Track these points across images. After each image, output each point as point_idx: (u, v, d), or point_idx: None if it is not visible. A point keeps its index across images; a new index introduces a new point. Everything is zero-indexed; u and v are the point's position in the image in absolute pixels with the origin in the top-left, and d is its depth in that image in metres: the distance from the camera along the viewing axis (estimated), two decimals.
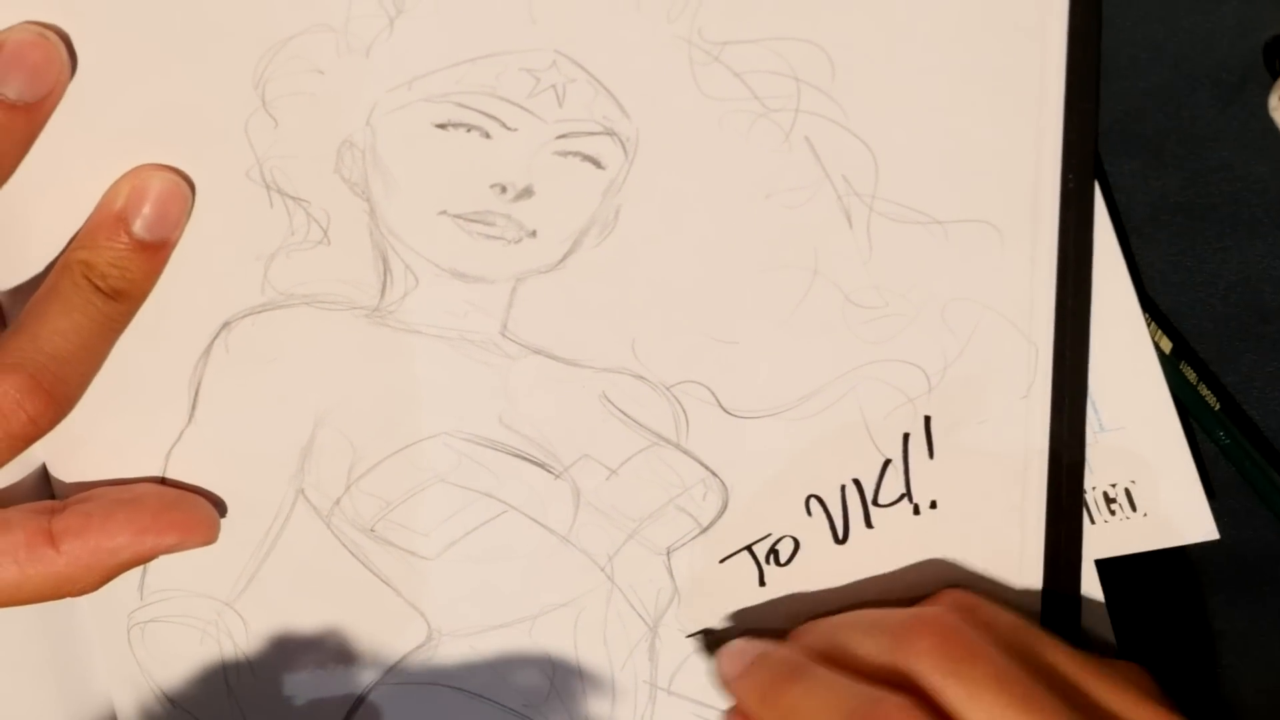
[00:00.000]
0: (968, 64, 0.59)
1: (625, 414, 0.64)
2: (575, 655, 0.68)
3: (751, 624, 0.67)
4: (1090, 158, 0.61)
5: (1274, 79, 0.62)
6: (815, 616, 0.66)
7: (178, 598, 0.67)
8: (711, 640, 0.67)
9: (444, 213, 0.61)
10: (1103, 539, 0.67)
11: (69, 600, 0.63)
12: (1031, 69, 0.59)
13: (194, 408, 0.63)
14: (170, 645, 0.68)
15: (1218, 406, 0.66)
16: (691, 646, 0.68)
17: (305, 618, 0.67)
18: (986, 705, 0.57)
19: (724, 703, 0.67)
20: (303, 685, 0.69)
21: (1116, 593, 0.67)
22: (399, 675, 0.68)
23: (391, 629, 0.67)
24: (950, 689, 0.58)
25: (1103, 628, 0.67)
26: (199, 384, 0.63)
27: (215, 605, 0.67)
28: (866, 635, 0.61)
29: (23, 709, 0.69)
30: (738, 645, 0.64)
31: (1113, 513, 0.66)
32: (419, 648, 0.68)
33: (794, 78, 0.59)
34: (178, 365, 0.63)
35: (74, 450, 0.64)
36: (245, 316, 0.62)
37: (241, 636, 0.67)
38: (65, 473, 0.64)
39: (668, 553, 0.66)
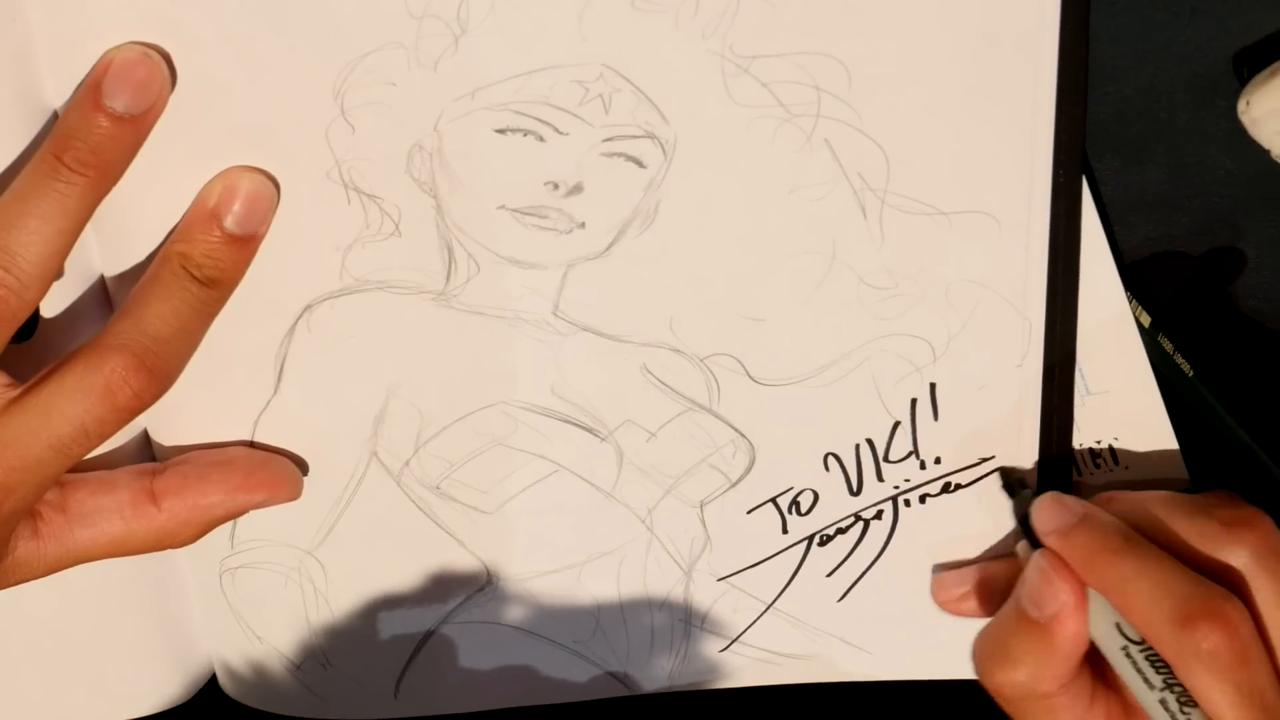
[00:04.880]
0: (969, 74, 0.60)
1: (663, 383, 0.66)
2: (618, 597, 0.70)
3: None
4: (1079, 155, 0.62)
5: (1242, 85, 0.63)
6: None
7: (264, 546, 0.69)
8: (1007, 481, 0.68)
9: (503, 207, 0.62)
10: (1090, 491, 0.68)
11: (168, 551, 0.65)
12: (1026, 78, 0.60)
13: (279, 380, 0.65)
14: (257, 588, 0.70)
15: (1191, 373, 0.67)
16: (721, 588, 0.70)
17: (378, 564, 0.69)
18: None
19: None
20: (375, 623, 0.71)
21: None
22: (461, 615, 0.70)
23: (455, 575, 0.69)
24: (1265, 584, 0.58)
25: None
26: (284, 359, 0.64)
27: (297, 553, 0.69)
28: (1190, 519, 0.60)
29: (129, 644, 0.71)
30: (1060, 499, 0.63)
31: (1098, 467, 0.68)
32: (479, 591, 0.70)
33: (815, 87, 0.60)
34: (265, 343, 0.64)
35: (172, 418, 0.65)
36: (325, 300, 0.63)
37: (321, 581, 0.69)
38: (165, 437, 0.66)
39: (701, 505, 0.68)
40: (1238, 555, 0.59)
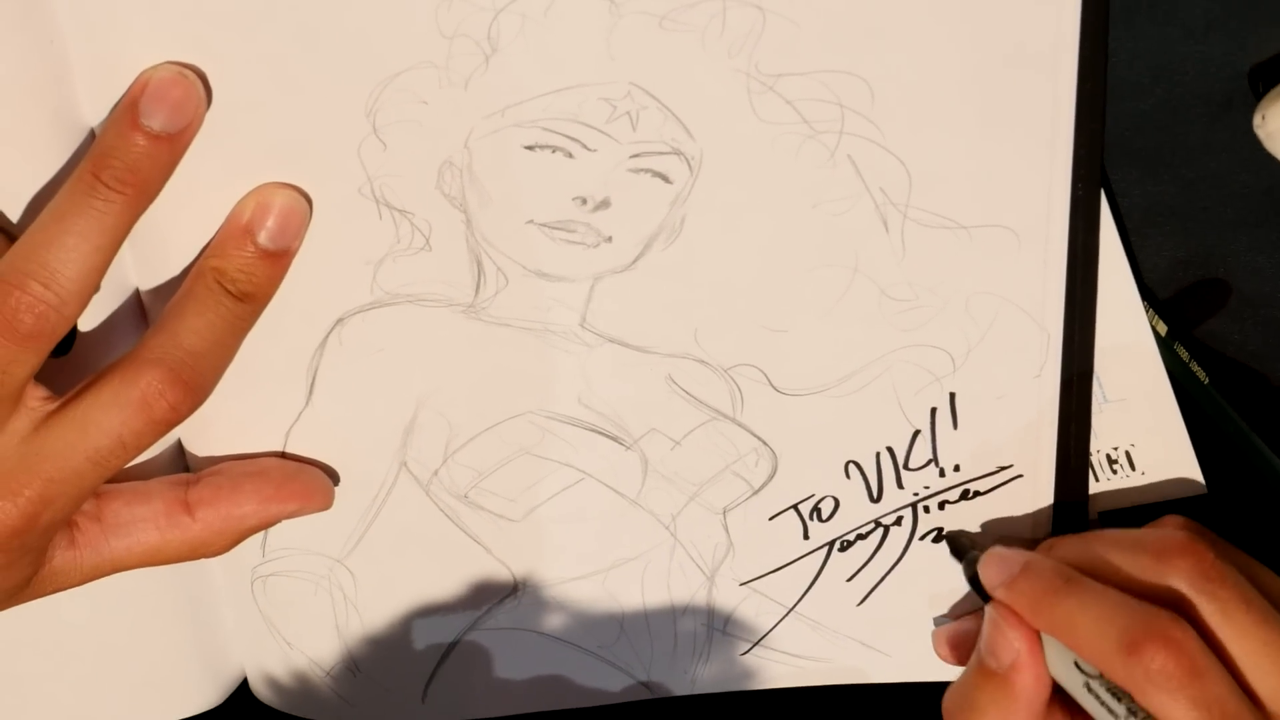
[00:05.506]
0: (990, 91, 0.61)
1: (688, 393, 0.66)
2: (642, 602, 0.71)
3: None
4: (1097, 168, 0.63)
5: (1257, 100, 0.64)
6: None
7: (295, 555, 0.69)
8: (955, 547, 0.69)
9: (531, 222, 0.63)
10: (1107, 495, 0.70)
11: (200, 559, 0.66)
12: (1045, 95, 0.61)
13: (311, 392, 0.66)
14: (287, 596, 0.70)
15: (1206, 380, 0.68)
16: (744, 593, 0.71)
17: (406, 572, 0.70)
18: (1236, 621, 0.58)
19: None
20: (404, 630, 0.71)
21: None
22: (488, 622, 0.71)
23: (482, 582, 0.70)
24: (1204, 605, 0.59)
25: None
26: (315, 372, 0.65)
27: (328, 562, 0.69)
28: (1125, 552, 0.61)
29: (162, 650, 0.72)
30: (1002, 553, 0.64)
31: (1115, 472, 0.69)
32: (506, 598, 0.70)
33: (839, 104, 0.61)
34: (297, 356, 0.65)
35: (206, 429, 0.66)
36: (356, 313, 0.64)
37: (351, 588, 0.70)
38: (198, 448, 0.67)
39: (724, 512, 0.69)
40: (1176, 582, 0.60)
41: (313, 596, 0.70)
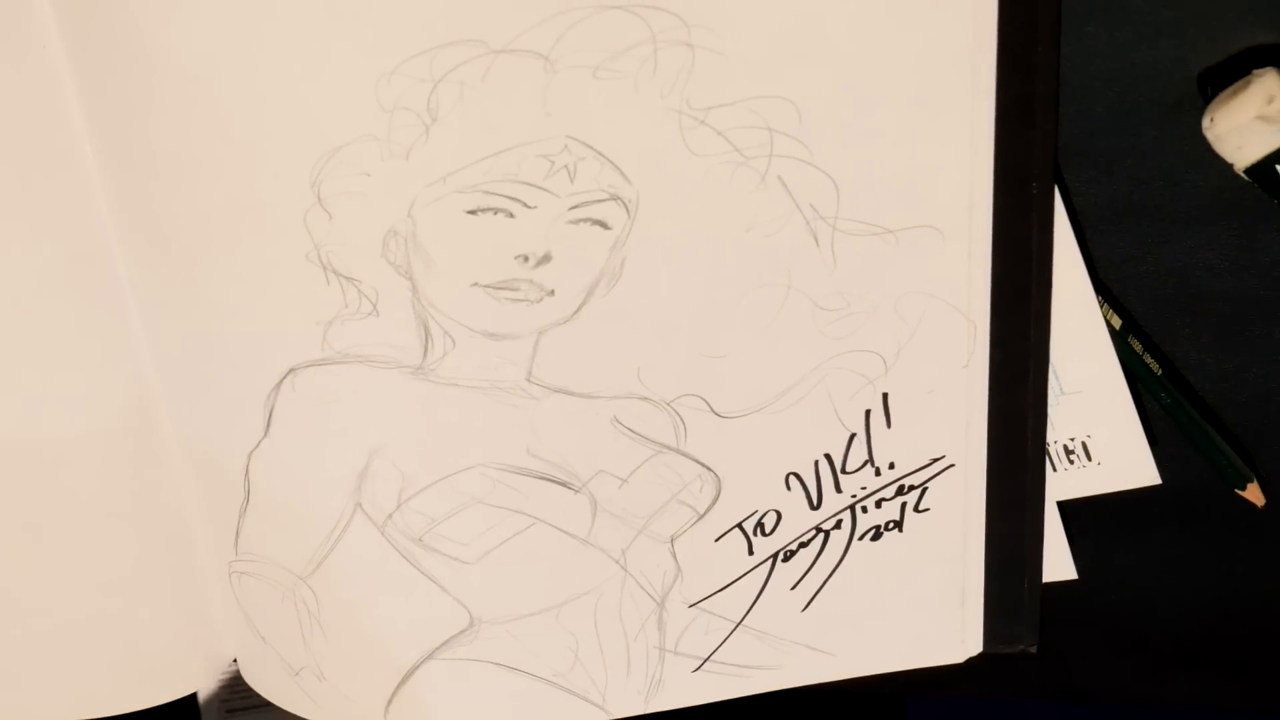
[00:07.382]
0: (910, 99, 0.61)
1: (633, 431, 0.67)
2: (596, 632, 0.71)
3: None
4: (1050, 168, 0.63)
5: (1206, 103, 0.64)
6: None
7: (262, 562, 0.70)
8: None
9: (476, 284, 0.63)
10: (1063, 484, 0.71)
11: (193, 542, 0.69)
12: (964, 94, 0.61)
13: (269, 425, 0.66)
14: (258, 596, 0.71)
15: (1160, 372, 0.69)
16: (693, 614, 0.71)
17: (365, 600, 0.70)
18: None
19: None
20: (364, 651, 0.72)
21: (1075, 529, 0.73)
22: (445, 652, 0.72)
23: (438, 617, 0.71)
24: None
25: (1063, 559, 0.73)
26: (272, 409, 0.65)
27: (291, 577, 0.70)
28: None
29: (153, 632, 0.73)
30: None
31: (1071, 462, 0.71)
32: (462, 632, 0.71)
33: (767, 128, 0.61)
34: (254, 390, 0.65)
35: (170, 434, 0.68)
36: (308, 367, 0.64)
37: (314, 605, 0.70)
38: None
39: (671, 540, 0.70)
40: None
41: (280, 604, 0.71)
